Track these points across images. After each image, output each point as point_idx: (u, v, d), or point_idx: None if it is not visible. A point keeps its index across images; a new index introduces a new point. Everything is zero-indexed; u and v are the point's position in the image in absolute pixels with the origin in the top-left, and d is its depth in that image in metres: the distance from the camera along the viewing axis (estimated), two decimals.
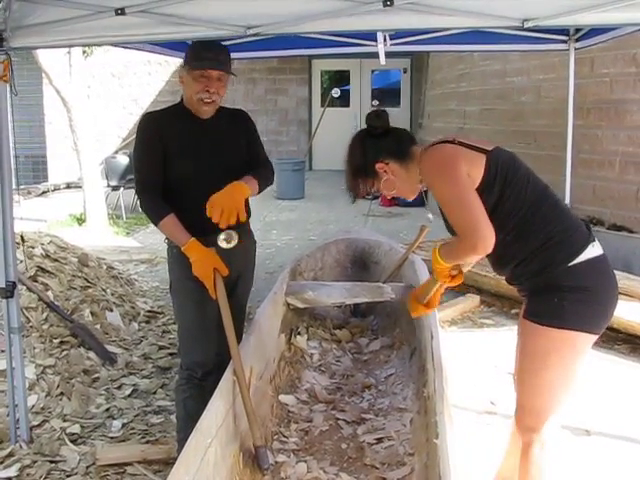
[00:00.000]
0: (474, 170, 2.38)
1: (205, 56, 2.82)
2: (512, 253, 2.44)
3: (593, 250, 2.38)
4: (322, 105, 14.45)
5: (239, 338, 2.97)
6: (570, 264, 2.34)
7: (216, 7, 2.94)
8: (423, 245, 5.63)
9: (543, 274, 2.38)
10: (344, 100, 15.38)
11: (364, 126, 2.68)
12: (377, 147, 2.57)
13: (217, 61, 2.83)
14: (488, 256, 2.48)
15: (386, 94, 15.89)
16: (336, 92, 14.17)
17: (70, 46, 7.29)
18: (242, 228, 3.01)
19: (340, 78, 15.86)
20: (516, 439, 2.65)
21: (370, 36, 4.83)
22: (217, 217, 2.69)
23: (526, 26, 2.91)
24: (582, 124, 6.83)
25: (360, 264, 4.94)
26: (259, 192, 2.95)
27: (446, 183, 2.37)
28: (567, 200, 6.04)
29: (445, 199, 2.39)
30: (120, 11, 2.87)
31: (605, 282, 2.41)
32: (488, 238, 2.27)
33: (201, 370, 2.98)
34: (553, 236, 2.38)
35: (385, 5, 2.78)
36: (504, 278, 2.62)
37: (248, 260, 3.20)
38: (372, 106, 15.36)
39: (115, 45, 4.35)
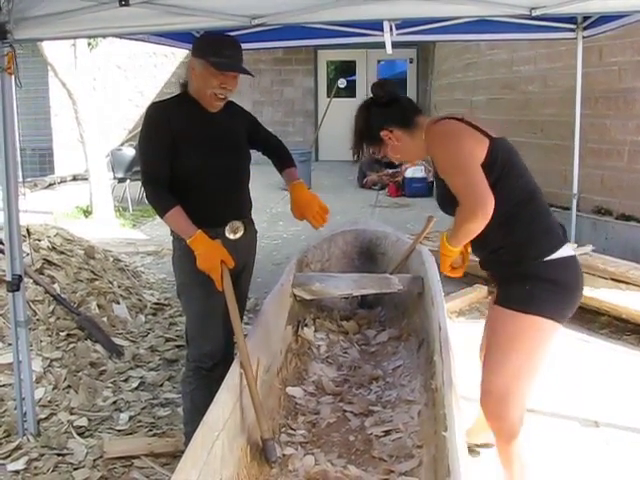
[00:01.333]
0: (477, 150, 2.46)
1: (226, 54, 2.78)
2: (491, 239, 2.52)
3: (567, 250, 2.52)
4: (328, 96, 14.40)
5: None
6: (545, 259, 2.48)
7: None
8: (430, 236, 5.60)
9: (516, 265, 2.52)
10: (350, 90, 15.30)
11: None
12: (382, 115, 2.66)
13: (238, 60, 2.82)
14: None
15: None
16: (342, 83, 14.11)
17: (74, 38, 7.29)
18: (247, 218, 3.03)
19: (346, 68, 15.81)
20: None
21: (376, 26, 4.79)
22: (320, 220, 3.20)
23: (534, 14, 2.89)
24: (590, 113, 6.78)
25: (367, 255, 4.91)
26: None
27: (449, 151, 2.48)
28: (575, 190, 6.02)
29: (447, 166, 2.50)
30: (124, 2, 2.86)
31: (574, 279, 2.54)
32: (487, 202, 2.35)
33: (210, 361, 2.99)
34: (533, 234, 2.52)
35: None
36: (478, 261, 2.74)
37: (251, 250, 3.21)
38: None
39: (120, 36, 4.34)
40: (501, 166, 2.47)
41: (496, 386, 2.56)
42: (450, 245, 2.54)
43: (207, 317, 2.97)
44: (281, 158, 3.28)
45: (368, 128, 2.68)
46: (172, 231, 2.97)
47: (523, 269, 2.50)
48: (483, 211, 2.35)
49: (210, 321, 2.97)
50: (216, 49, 2.78)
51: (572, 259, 2.54)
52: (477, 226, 2.40)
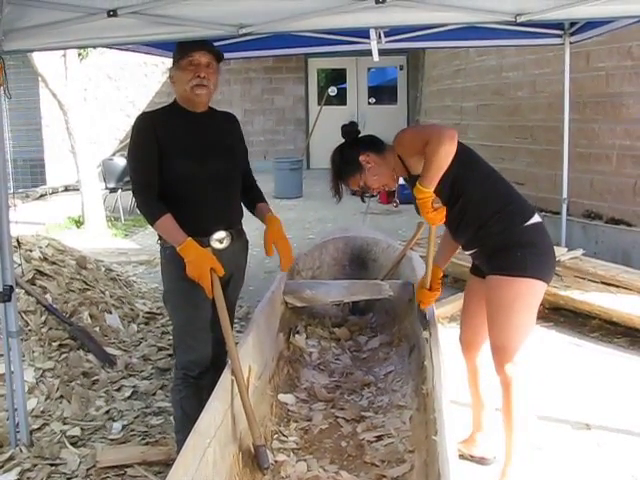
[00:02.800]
0: None
1: (190, 47, 2.87)
2: (476, 217, 2.87)
3: (538, 217, 2.89)
4: (319, 103, 14.43)
5: None
6: (525, 224, 2.83)
7: (208, 7, 2.94)
8: (421, 242, 5.62)
9: (505, 233, 2.83)
10: (341, 98, 15.38)
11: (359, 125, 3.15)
12: (356, 146, 3.01)
13: (202, 46, 2.87)
14: (451, 222, 2.92)
15: (383, 91, 15.91)
16: (333, 90, 14.17)
17: (64, 48, 7.26)
18: (235, 229, 3.02)
19: (336, 76, 15.86)
20: (476, 397, 3.24)
21: (365, 34, 4.82)
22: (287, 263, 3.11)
23: (519, 21, 2.91)
24: (578, 118, 6.83)
25: (358, 262, 4.94)
26: None
27: (415, 127, 3.19)
28: (564, 194, 6.05)
29: (414, 136, 2.87)
30: (112, 13, 2.87)
31: (549, 241, 2.91)
32: (448, 128, 2.72)
33: (197, 369, 2.97)
34: (511, 202, 2.89)
35: (377, 2, 2.78)
36: (461, 246, 3.07)
37: (240, 260, 3.17)
38: (369, 104, 15.38)
39: (109, 47, 4.35)
40: (461, 150, 2.78)
41: (507, 344, 2.83)
42: (423, 187, 2.71)
43: (192, 325, 2.96)
44: (253, 193, 3.24)
45: (345, 159, 3.00)
46: (158, 239, 2.98)
47: (509, 237, 2.82)
48: (448, 133, 2.66)
49: (196, 329, 2.96)
50: (182, 48, 2.90)
51: (543, 224, 2.90)
52: (447, 150, 2.65)
